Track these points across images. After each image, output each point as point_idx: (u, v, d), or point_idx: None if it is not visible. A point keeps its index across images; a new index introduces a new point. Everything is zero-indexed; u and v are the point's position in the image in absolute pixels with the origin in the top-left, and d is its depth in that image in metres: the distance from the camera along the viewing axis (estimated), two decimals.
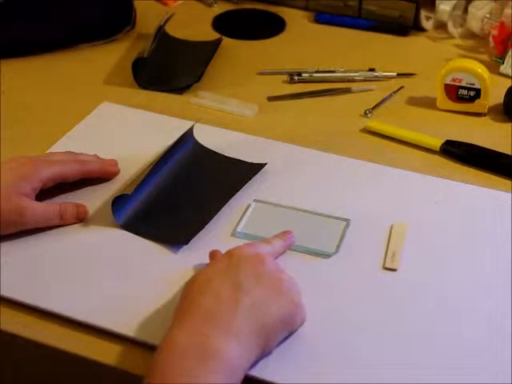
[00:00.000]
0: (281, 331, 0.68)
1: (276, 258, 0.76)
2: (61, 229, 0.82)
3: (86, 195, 0.87)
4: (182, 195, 0.87)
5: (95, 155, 0.90)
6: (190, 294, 0.68)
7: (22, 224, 0.79)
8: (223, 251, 0.74)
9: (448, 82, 1.02)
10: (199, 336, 0.63)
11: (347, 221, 0.83)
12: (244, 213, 0.84)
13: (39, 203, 0.81)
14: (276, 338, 0.67)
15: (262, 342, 0.66)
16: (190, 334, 0.64)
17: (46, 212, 0.81)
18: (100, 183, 0.89)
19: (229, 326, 0.64)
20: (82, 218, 0.83)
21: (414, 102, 1.07)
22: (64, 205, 0.82)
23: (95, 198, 0.86)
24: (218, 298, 0.66)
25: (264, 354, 0.67)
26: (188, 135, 0.93)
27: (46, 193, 0.84)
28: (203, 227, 0.81)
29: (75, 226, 0.83)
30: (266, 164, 0.91)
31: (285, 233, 0.80)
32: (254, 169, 0.90)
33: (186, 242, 0.79)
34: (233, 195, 0.86)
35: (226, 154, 0.93)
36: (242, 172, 0.90)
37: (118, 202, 0.82)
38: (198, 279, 0.69)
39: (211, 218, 0.83)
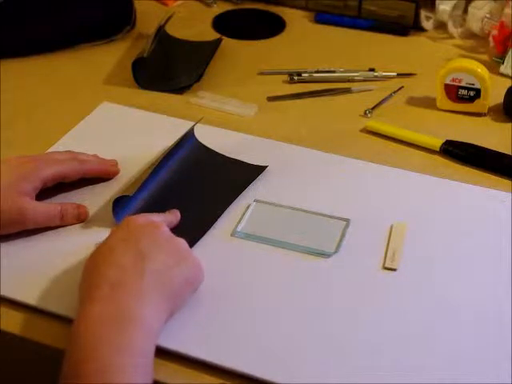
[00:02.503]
0: (186, 292, 0.71)
1: (168, 226, 0.77)
2: (61, 229, 0.82)
3: (86, 195, 0.87)
4: (182, 196, 0.86)
5: (95, 155, 0.90)
6: (95, 267, 0.70)
7: (23, 224, 0.79)
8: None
9: (448, 81, 1.02)
10: (111, 304, 0.65)
11: (347, 221, 0.83)
12: (244, 213, 0.84)
13: (40, 203, 0.81)
14: (182, 298, 0.71)
15: (170, 304, 0.69)
16: (102, 304, 0.65)
17: (46, 212, 0.81)
18: (100, 183, 0.89)
19: (138, 291, 0.67)
20: (82, 219, 0.83)
21: (414, 101, 1.07)
22: (65, 205, 0.82)
23: (95, 198, 0.86)
24: (123, 268, 0.68)
25: (172, 314, 0.69)
26: (189, 135, 0.93)
27: (46, 192, 0.84)
28: (205, 232, 0.81)
29: (75, 226, 0.83)
30: (266, 166, 0.90)
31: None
32: (256, 171, 0.90)
33: (190, 246, 0.79)
34: (234, 198, 0.86)
35: (227, 155, 0.93)
36: (244, 174, 0.89)
37: (119, 202, 0.82)
38: (100, 251, 0.71)
39: (214, 222, 0.83)
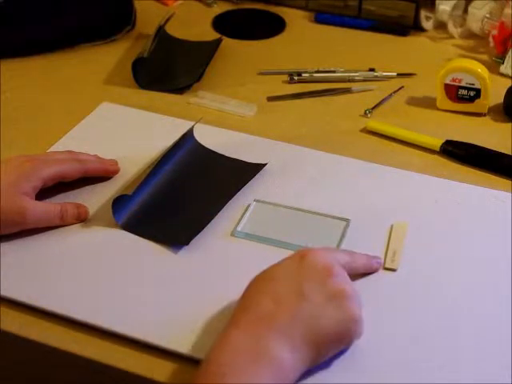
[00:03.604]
0: (334, 346, 0.66)
1: (350, 273, 0.71)
2: (61, 229, 0.82)
3: (85, 195, 0.87)
4: (182, 195, 0.87)
5: (95, 155, 0.90)
6: (252, 291, 0.67)
7: (23, 224, 0.79)
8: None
9: (448, 81, 1.02)
10: (254, 336, 0.62)
11: (347, 221, 0.83)
12: (244, 212, 0.84)
13: (40, 203, 0.81)
14: (328, 351, 0.66)
15: (314, 353, 0.64)
16: (246, 332, 0.63)
17: (46, 212, 0.81)
18: (100, 183, 0.89)
19: (284, 330, 0.63)
20: (82, 219, 0.83)
21: (414, 101, 1.07)
22: (65, 205, 0.82)
23: (95, 198, 0.86)
24: (278, 301, 0.64)
25: (314, 364, 0.65)
26: (188, 135, 0.93)
27: (45, 192, 0.84)
28: (204, 227, 0.81)
29: (75, 225, 0.83)
30: (266, 164, 0.91)
31: (372, 256, 0.77)
32: (255, 169, 0.90)
33: (187, 242, 0.79)
34: (233, 195, 0.86)
35: (226, 154, 0.93)
36: (243, 172, 0.90)
37: (118, 202, 0.82)
38: (264, 276, 0.68)
39: (212, 218, 0.83)
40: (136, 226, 0.82)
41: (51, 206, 0.81)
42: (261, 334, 0.63)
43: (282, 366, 0.62)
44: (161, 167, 0.88)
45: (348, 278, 0.69)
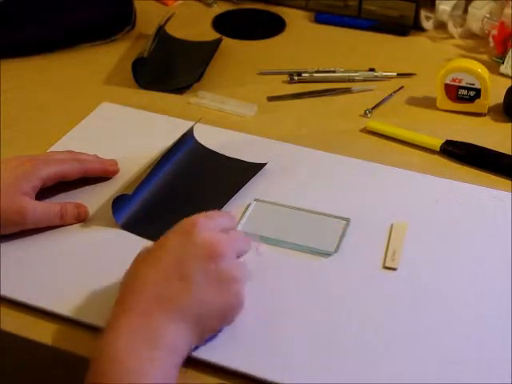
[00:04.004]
0: (218, 325, 0.69)
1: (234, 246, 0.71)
2: (61, 229, 0.82)
3: (85, 195, 0.87)
4: (182, 195, 0.87)
5: (95, 155, 0.90)
6: (140, 270, 0.68)
7: (23, 224, 0.79)
8: None
9: (448, 81, 1.02)
10: (147, 319, 0.64)
11: (347, 220, 0.83)
12: (244, 212, 0.84)
13: (40, 203, 0.81)
14: (212, 330, 0.68)
15: (200, 333, 0.66)
16: (139, 315, 0.64)
17: (46, 212, 0.81)
18: (100, 183, 0.89)
19: (174, 313, 0.65)
20: (82, 219, 0.83)
21: (414, 101, 1.07)
22: (65, 205, 0.82)
23: (95, 198, 0.86)
24: (167, 284, 0.66)
25: (199, 343, 0.68)
26: (188, 135, 0.93)
27: (45, 192, 0.84)
28: None
29: (75, 225, 0.83)
30: (266, 164, 0.91)
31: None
32: (254, 168, 0.90)
33: None
34: (233, 195, 0.86)
35: (226, 154, 0.93)
36: (243, 172, 0.90)
37: (118, 202, 0.82)
38: (151, 254, 0.69)
39: None
40: (136, 226, 0.82)
41: (51, 206, 0.81)
42: (152, 317, 0.64)
43: (174, 348, 0.64)
44: (161, 167, 0.88)
45: (233, 255, 0.69)
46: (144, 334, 0.63)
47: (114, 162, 0.90)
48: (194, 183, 0.89)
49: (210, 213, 0.73)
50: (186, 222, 0.70)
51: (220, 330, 0.69)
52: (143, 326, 0.64)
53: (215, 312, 0.67)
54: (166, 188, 0.87)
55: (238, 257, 0.71)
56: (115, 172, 0.90)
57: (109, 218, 0.82)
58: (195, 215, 0.71)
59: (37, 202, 0.81)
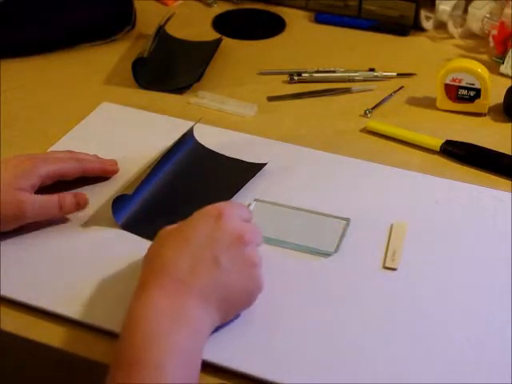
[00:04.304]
0: (239, 308, 0.71)
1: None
2: (61, 229, 0.82)
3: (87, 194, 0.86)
4: (182, 195, 0.87)
5: (95, 155, 0.90)
6: (166, 249, 0.70)
7: (22, 217, 0.79)
8: None
9: (448, 81, 1.02)
10: (175, 300, 0.66)
11: (347, 220, 0.83)
12: None
13: (38, 196, 0.81)
14: (234, 312, 0.71)
15: (223, 315, 0.69)
16: (167, 295, 0.66)
17: (44, 203, 0.81)
18: (99, 183, 0.89)
19: (201, 295, 0.67)
20: (81, 207, 0.83)
21: (414, 101, 1.07)
22: (62, 195, 0.82)
23: (95, 198, 0.86)
24: (194, 265, 0.68)
25: (221, 323, 0.70)
26: (188, 135, 0.93)
27: (44, 191, 0.84)
28: None
29: (75, 226, 0.83)
30: (266, 164, 0.91)
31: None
32: (255, 168, 0.90)
33: None
34: (233, 195, 0.86)
35: (226, 154, 0.93)
36: (243, 172, 0.90)
37: (118, 202, 0.82)
38: (178, 234, 0.71)
39: None
40: (136, 226, 0.82)
41: (49, 197, 0.81)
42: (181, 297, 0.66)
43: (200, 328, 0.66)
44: (161, 167, 0.88)
45: (256, 244, 0.72)
46: (172, 314, 0.65)
47: (114, 162, 0.90)
48: (193, 183, 0.89)
49: (232, 203, 0.76)
50: (212, 208, 0.72)
51: (238, 315, 0.71)
52: (172, 306, 0.65)
53: (238, 295, 0.70)
54: (165, 188, 0.87)
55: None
56: (114, 172, 0.90)
57: (109, 218, 0.82)
58: (220, 203, 0.73)
59: (35, 195, 0.81)
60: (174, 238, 0.70)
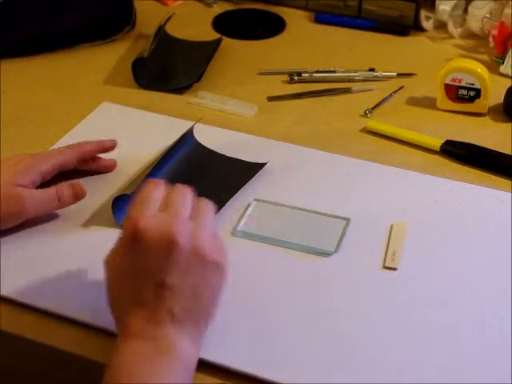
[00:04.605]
0: (214, 309, 0.66)
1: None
2: (61, 229, 0.82)
3: (86, 195, 0.86)
4: None
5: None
6: (114, 288, 0.66)
7: (22, 213, 0.79)
8: None
9: (448, 81, 1.02)
10: (149, 337, 0.62)
11: (347, 220, 0.83)
12: (244, 212, 0.84)
13: (36, 190, 0.81)
14: (212, 317, 0.66)
15: (202, 328, 0.65)
16: (140, 338, 0.62)
17: (43, 196, 0.80)
18: (99, 180, 0.88)
19: (174, 323, 0.63)
20: (79, 197, 0.83)
21: (414, 101, 1.07)
22: (60, 186, 0.82)
23: (95, 198, 0.86)
24: (154, 297, 0.63)
25: (203, 335, 0.65)
26: (188, 135, 0.93)
27: (43, 187, 0.84)
28: None
29: (75, 226, 0.83)
30: (266, 163, 0.91)
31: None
32: (255, 168, 0.90)
33: None
34: (233, 195, 0.86)
35: (227, 154, 0.93)
36: (243, 171, 0.90)
37: (118, 202, 0.82)
38: (110, 275, 0.66)
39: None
40: None
41: (47, 190, 0.81)
42: (154, 335, 0.62)
43: (183, 356, 0.62)
44: (160, 167, 0.88)
45: (187, 235, 0.64)
46: (151, 353, 0.61)
47: (113, 141, 0.90)
48: (193, 183, 0.88)
49: (139, 196, 0.69)
50: (126, 225, 0.65)
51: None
52: (149, 347, 0.62)
53: (209, 301, 0.65)
54: None
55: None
56: (113, 147, 0.89)
57: (109, 218, 0.82)
58: (131, 213, 0.66)
59: (33, 189, 0.81)
60: (117, 277, 0.66)
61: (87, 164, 0.89)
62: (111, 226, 0.82)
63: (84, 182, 0.87)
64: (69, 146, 0.87)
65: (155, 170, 0.87)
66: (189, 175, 0.89)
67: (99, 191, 0.87)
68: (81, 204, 0.84)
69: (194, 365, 0.64)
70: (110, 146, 0.90)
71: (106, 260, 0.67)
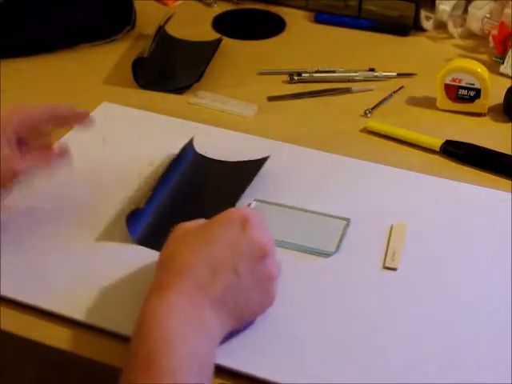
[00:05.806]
0: (248, 318, 0.70)
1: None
2: (61, 228, 0.82)
3: (97, 198, 0.86)
4: (191, 205, 0.85)
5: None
6: (187, 252, 0.68)
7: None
8: None
9: (448, 81, 1.02)
10: (194, 305, 0.65)
11: (347, 220, 0.83)
12: None
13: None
14: (242, 323, 0.70)
15: (234, 325, 0.68)
16: (187, 300, 0.65)
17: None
18: (101, 179, 0.88)
19: (217, 304, 0.66)
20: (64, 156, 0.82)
21: (414, 101, 1.07)
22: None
23: (104, 208, 0.85)
24: (215, 272, 0.66)
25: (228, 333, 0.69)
26: (187, 148, 0.92)
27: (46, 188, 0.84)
28: None
29: (75, 226, 0.82)
30: (268, 157, 0.90)
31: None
32: (257, 164, 0.89)
33: None
34: (241, 195, 0.86)
35: (227, 155, 0.93)
36: (246, 171, 0.89)
37: (131, 217, 0.80)
38: (199, 235, 0.69)
39: None
40: (150, 241, 0.80)
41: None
42: (199, 303, 0.65)
43: (214, 335, 0.66)
44: (165, 182, 0.86)
45: (275, 255, 0.70)
46: (190, 319, 0.64)
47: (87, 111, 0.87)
48: (200, 192, 0.88)
49: (252, 209, 0.74)
50: (236, 213, 0.70)
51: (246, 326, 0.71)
52: (189, 311, 0.64)
53: (250, 305, 0.69)
54: (173, 201, 0.85)
55: None
56: (86, 116, 0.86)
57: (109, 217, 0.82)
58: (242, 208, 0.72)
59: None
60: (193, 239, 0.69)
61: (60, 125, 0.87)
62: (111, 225, 0.82)
63: (84, 185, 0.87)
64: (43, 104, 0.84)
65: (160, 184, 0.85)
66: (194, 186, 0.88)
67: (107, 200, 0.86)
68: (80, 204, 0.84)
69: (216, 348, 0.66)
70: (83, 116, 0.86)
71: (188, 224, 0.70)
